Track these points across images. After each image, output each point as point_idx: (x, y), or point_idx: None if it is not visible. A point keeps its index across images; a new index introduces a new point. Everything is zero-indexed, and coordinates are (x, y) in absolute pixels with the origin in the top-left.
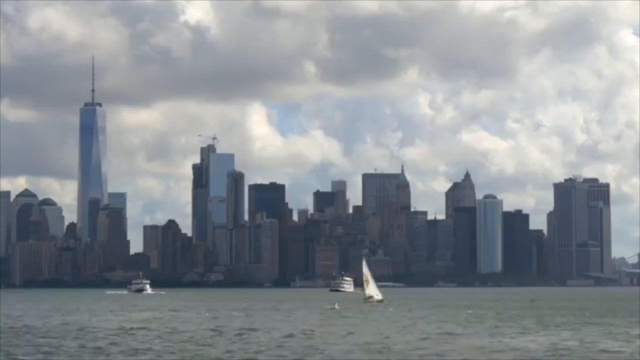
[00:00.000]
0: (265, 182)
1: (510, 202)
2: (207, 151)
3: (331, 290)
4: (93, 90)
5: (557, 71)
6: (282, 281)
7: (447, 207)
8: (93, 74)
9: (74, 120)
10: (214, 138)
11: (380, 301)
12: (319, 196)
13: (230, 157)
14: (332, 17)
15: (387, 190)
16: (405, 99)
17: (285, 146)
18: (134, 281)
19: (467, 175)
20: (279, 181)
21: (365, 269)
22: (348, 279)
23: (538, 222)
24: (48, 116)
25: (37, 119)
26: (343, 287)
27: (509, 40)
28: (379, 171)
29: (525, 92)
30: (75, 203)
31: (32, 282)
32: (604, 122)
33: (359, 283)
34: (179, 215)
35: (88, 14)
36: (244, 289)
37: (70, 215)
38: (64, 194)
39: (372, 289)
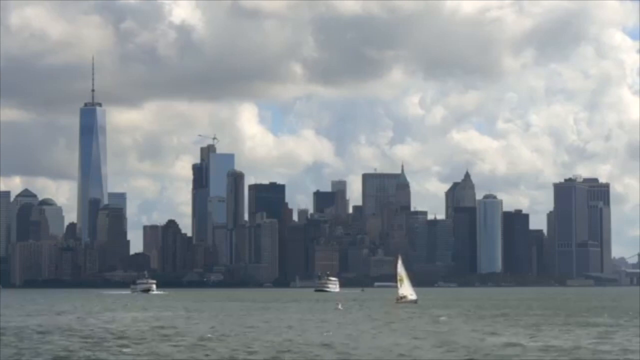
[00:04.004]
0: (260, 182)
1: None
2: (207, 151)
3: (316, 291)
4: (93, 90)
5: (544, 71)
6: (282, 281)
7: (447, 207)
8: (93, 73)
9: (69, 120)
10: (214, 138)
11: (414, 301)
12: (319, 196)
13: (230, 157)
14: (314, 18)
15: (387, 190)
16: (393, 99)
17: (277, 146)
18: (139, 281)
19: (467, 176)
20: (272, 181)
21: (400, 268)
22: (333, 279)
23: (535, 222)
24: (43, 116)
25: (32, 119)
26: (328, 288)
27: (495, 40)
28: (378, 171)
29: (513, 92)
30: (70, 203)
31: (32, 282)
32: (594, 122)
33: (358, 283)
34: (175, 215)
35: (79, 14)
36: (244, 289)
37: (70, 215)
38: (60, 194)
39: (406, 289)
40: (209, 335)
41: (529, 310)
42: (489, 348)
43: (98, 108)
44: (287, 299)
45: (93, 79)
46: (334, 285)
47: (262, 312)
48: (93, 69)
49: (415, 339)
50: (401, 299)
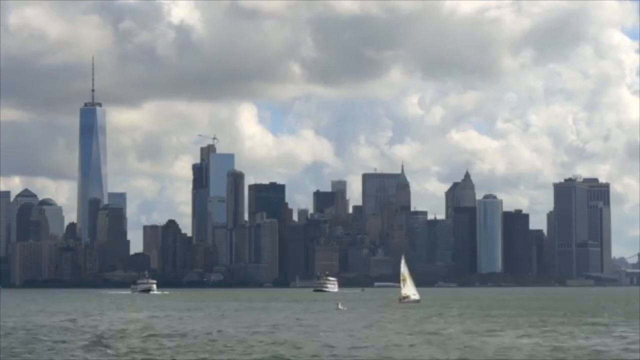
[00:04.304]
0: (260, 182)
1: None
2: (207, 151)
3: (315, 291)
4: (93, 90)
5: (543, 71)
6: (282, 281)
7: (446, 207)
8: (93, 73)
9: (69, 120)
10: (214, 138)
11: (417, 301)
12: (318, 196)
13: (230, 157)
14: (312, 18)
15: (387, 190)
16: (392, 99)
17: (277, 146)
18: (139, 281)
19: (467, 176)
20: (272, 181)
21: (404, 268)
22: (332, 279)
23: (535, 222)
24: (43, 116)
25: (32, 119)
26: (327, 287)
27: (493, 40)
28: (378, 171)
29: (512, 92)
30: (70, 203)
31: (32, 282)
32: (593, 122)
33: (358, 283)
34: (175, 215)
35: (78, 14)
36: (244, 289)
37: (70, 215)
38: (60, 194)
39: (408, 289)
40: (199, 336)
41: (527, 310)
42: (485, 348)
43: (98, 108)
44: (286, 299)
45: (93, 79)
46: (332, 285)
47: (260, 312)
48: (93, 69)
49: (411, 338)
50: (404, 299)
